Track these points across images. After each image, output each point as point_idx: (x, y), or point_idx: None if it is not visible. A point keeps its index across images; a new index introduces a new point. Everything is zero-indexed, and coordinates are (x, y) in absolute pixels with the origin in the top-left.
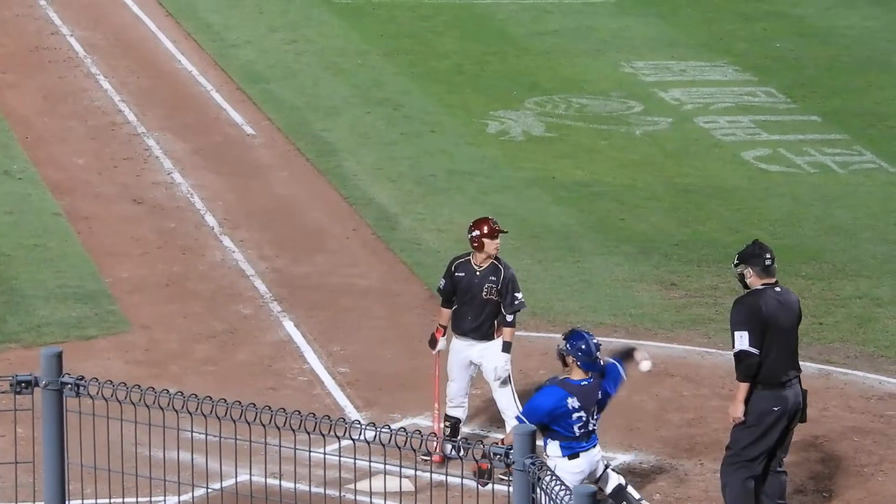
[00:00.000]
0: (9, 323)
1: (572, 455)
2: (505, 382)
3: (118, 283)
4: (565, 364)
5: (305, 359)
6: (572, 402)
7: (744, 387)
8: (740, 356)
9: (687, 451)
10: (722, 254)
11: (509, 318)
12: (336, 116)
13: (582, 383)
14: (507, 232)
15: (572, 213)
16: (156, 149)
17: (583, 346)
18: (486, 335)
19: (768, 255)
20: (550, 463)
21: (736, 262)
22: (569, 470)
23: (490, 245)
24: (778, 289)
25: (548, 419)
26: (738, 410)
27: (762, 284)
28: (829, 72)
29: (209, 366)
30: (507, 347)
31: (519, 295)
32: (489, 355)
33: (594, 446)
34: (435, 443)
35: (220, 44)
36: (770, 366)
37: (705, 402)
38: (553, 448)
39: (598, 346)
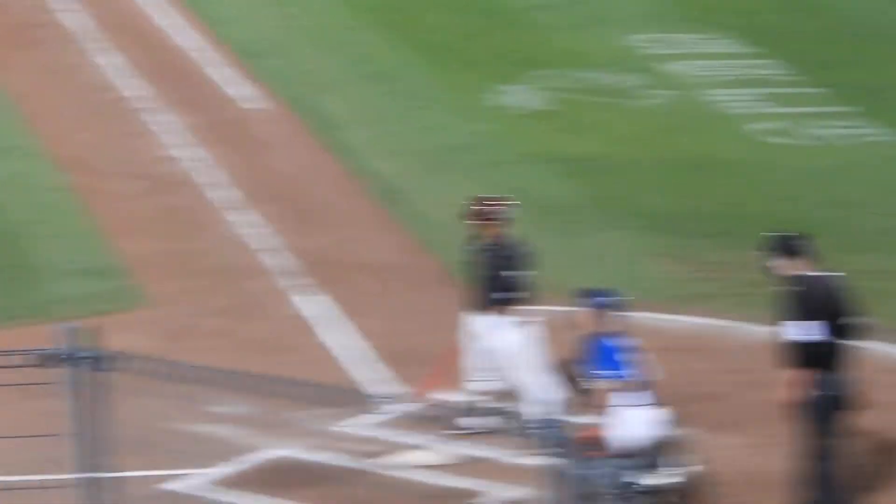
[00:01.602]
0: (21, 299)
1: (632, 406)
2: (513, 358)
3: (126, 259)
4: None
5: (318, 333)
6: (611, 342)
7: (796, 373)
8: (793, 344)
9: (700, 425)
10: (726, 227)
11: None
12: (336, 91)
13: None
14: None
15: (574, 187)
16: (157, 124)
17: (600, 298)
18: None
19: (808, 242)
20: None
21: (776, 254)
22: (629, 421)
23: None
24: (826, 273)
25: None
26: (789, 395)
27: (809, 272)
28: (834, 44)
29: (222, 339)
30: (497, 324)
31: (514, 273)
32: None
33: (649, 404)
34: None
35: (217, 18)
36: (818, 351)
37: (716, 377)
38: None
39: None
